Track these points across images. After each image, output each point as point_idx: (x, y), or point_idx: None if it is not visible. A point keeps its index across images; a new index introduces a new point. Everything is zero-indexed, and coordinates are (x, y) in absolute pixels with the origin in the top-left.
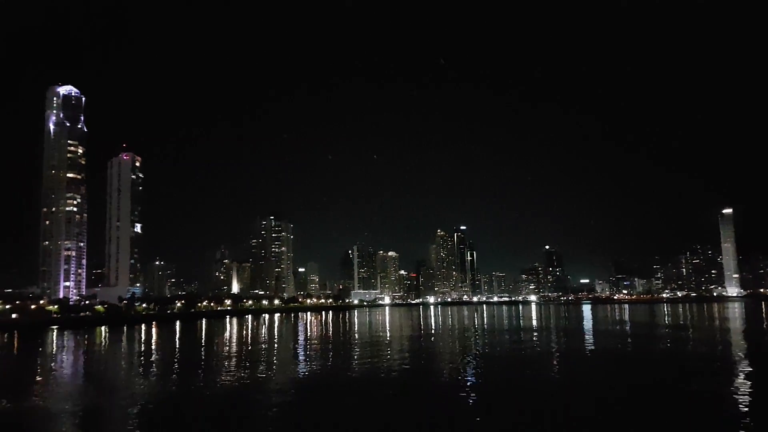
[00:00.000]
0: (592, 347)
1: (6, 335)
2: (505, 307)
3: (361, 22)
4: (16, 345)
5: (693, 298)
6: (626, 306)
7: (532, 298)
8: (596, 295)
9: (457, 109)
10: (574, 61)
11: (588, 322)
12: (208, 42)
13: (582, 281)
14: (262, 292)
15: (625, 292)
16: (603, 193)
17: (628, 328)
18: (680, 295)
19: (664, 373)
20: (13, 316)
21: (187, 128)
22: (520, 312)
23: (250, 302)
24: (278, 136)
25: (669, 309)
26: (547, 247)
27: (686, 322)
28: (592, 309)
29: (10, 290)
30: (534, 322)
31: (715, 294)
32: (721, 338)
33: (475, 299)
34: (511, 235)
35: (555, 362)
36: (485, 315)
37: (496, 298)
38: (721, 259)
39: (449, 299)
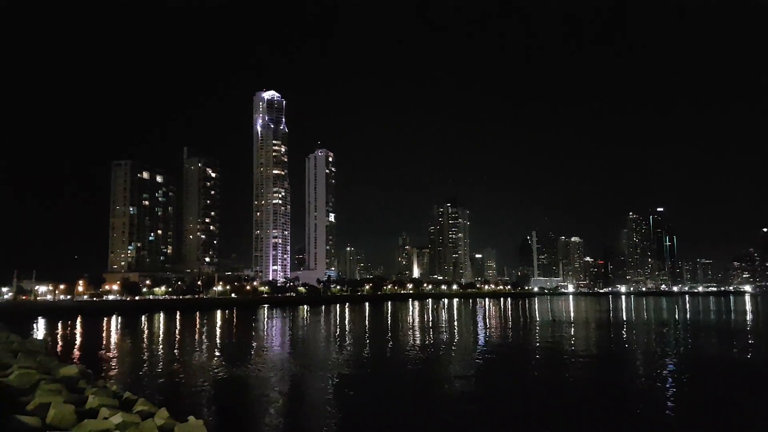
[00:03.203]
0: None
1: (227, 311)
2: (712, 299)
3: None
4: (234, 320)
5: None
6: None
7: (747, 288)
8: None
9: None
10: None
11: None
12: (382, 44)
13: None
14: (441, 277)
15: None
16: None
17: None
18: None
19: None
20: (233, 295)
21: (371, 123)
22: (732, 305)
23: (429, 287)
24: (457, 123)
25: None
26: (765, 229)
27: None
28: None
29: (229, 273)
30: (748, 317)
31: None
32: None
33: (675, 289)
34: (719, 217)
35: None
36: (688, 308)
37: (701, 288)
38: None
39: (644, 289)
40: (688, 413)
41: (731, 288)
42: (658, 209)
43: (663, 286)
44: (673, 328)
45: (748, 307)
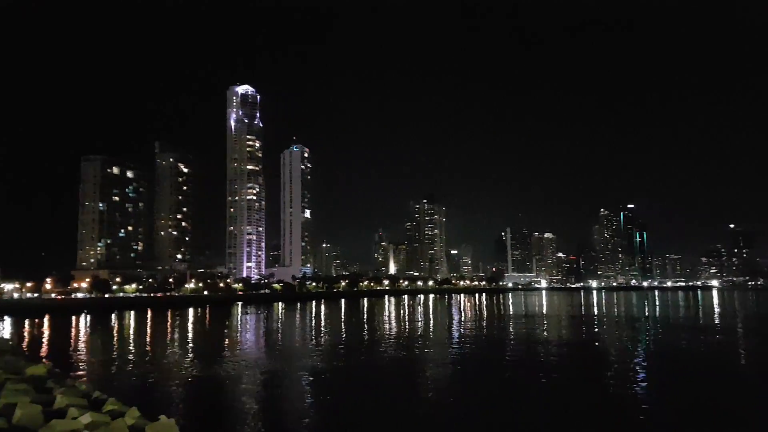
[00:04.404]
0: None
1: (200, 309)
2: (681, 294)
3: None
4: (208, 318)
5: None
6: None
7: (714, 283)
8: None
9: (623, 79)
10: None
11: None
12: (358, 40)
13: None
14: (417, 273)
15: None
16: None
17: None
18: None
19: None
20: (206, 292)
21: (347, 119)
22: (700, 299)
23: (405, 283)
24: (432, 121)
25: None
26: (731, 225)
27: None
28: None
29: (203, 270)
30: (716, 311)
31: None
32: None
33: (645, 284)
34: (688, 213)
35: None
36: (657, 302)
37: (669, 283)
38: None
39: (615, 284)
40: (657, 407)
41: (699, 283)
42: (629, 206)
43: (633, 281)
44: (643, 323)
45: (716, 301)
